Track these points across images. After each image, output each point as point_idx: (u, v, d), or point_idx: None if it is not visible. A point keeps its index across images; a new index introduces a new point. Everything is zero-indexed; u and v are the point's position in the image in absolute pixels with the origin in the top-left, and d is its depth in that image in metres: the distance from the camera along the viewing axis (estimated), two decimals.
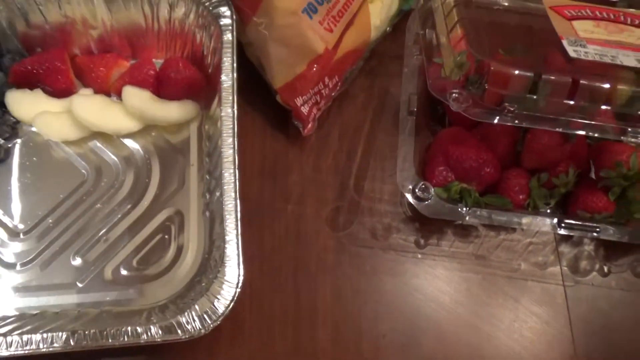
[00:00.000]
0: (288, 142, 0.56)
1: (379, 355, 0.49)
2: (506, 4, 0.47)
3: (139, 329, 0.41)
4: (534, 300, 0.52)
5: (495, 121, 0.41)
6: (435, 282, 0.52)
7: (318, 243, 0.52)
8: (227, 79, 0.50)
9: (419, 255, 0.53)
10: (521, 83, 0.40)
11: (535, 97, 0.40)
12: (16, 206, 0.51)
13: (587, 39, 0.44)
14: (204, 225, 0.51)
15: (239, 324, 0.48)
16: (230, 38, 0.51)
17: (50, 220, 0.51)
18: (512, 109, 0.40)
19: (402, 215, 0.54)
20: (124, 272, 0.50)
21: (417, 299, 0.51)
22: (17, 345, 0.40)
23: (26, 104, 0.52)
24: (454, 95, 0.41)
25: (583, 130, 0.43)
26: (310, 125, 0.54)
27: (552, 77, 0.39)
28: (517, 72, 0.39)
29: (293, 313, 0.50)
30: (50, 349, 0.40)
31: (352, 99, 0.58)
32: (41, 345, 0.40)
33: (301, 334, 0.49)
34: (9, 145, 0.53)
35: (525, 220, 0.48)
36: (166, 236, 0.51)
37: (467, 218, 0.47)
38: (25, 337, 0.41)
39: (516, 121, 0.41)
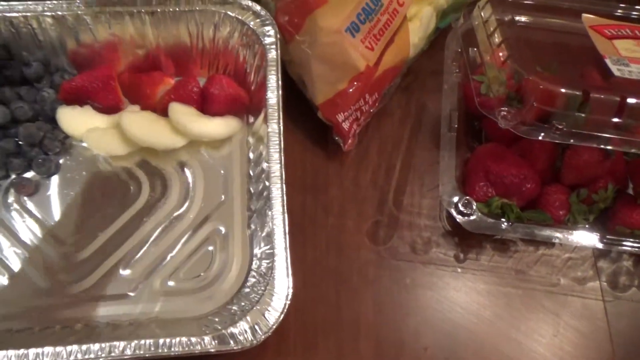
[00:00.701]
0: (328, 157, 0.57)
1: None
2: (547, 22, 0.48)
3: (193, 339, 0.42)
4: (574, 315, 0.52)
5: (541, 137, 0.42)
6: (475, 296, 0.52)
7: (359, 256, 0.53)
8: (273, 95, 0.51)
9: (459, 270, 0.53)
10: (568, 101, 0.40)
11: (583, 115, 0.41)
12: (66, 219, 0.52)
13: (630, 57, 0.45)
14: (248, 239, 0.52)
15: (283, 336, 0.49)
16: (275, 56, 0.53)
17: (99, 233, 0.52)
18: (560, 127, 0.41)
19: (441, 230, 0.55)
20: (171, 283, 0.51)
21: (457, 313, 0.52)
22: (77, 354, 0.42)
23: (76, 120, 0.54)
24: (502, 113, 0.42)
25: (626, 147, 0.43)
26: (350, 141, 0.55)
27: (600, 96, 0.40)
28: (564, 90, 0.40)
29: (335, 325, 0.50)
30: (109, 358, 0.42)
31: (389, 115, 0.59)
32: (100, 354, 0.42)
33: (344, 346, 0.50)
34: (60, 160, 0.55)
35: (566, 235, 0.49)
36: (211, 248, 0.52)
37: (509, 233, 0.48)
38: (84, 347, 0.42)
39: (563, 138, 0.42)
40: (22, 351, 0.42)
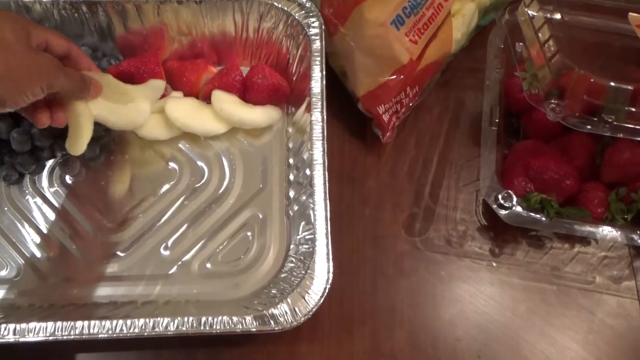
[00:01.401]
0: (366, 149, 0.58)
1: (455, 359, 0.50)
2: (592, 21, 0.48)
3: (235, 319, 0.43)
4: (609, 313, 0.52)
5: (589, 130, 0.42)
6: (509, 291, 0.53)
7: (395, 247, 0.54)
8: (317, 85, 0.52)
9: (494, 264, 0.54)
10: (617, 95, 0.41)
11: (633, 109, 0.41)
12: (110, 201, 0.54)
13: None
14: (285, 225, 0.53)
15: (319, 322, 0.50)
16: (319, 47, 0.54)
17: (140, 215, 0.53)
18: (609, 120, 0.41)
19: (476, 224, 0.55)
20: (209, 265, 0.52)
21: (491, 307, 0.52)
22: (122, 327, 0.43)
23: None
24: (551, 105, 0.42)
25: None
26: (389, 133, 0.56)
27: None
28: (613, 84, 0.41)
29: (371, 314, 0.51)
30: (152, 334, 0.43)
31: (428, 109, 0.60)
32: (144, 329, 0.43)
33: (379, 334, 0.50)
34: (103, 143, 0.56)
35: (605, 232, 0.49)
36: (249, 234, 0.53)
37: (548, 228, 0.48)
38: (129, 321, 0.43)
39: (611, 131, 0.43)
40: (69, 323, 0.43)
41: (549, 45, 0.43)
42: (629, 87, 0.41)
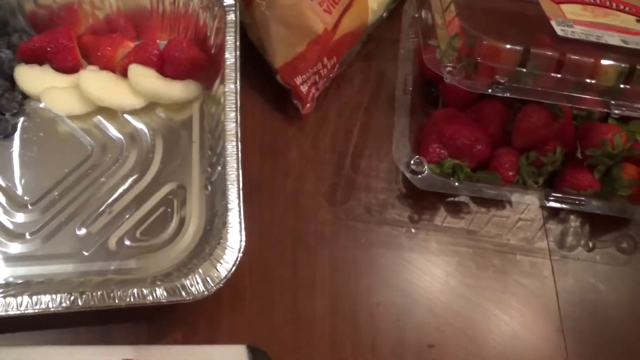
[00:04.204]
0: (287, 121, 0.58)
1: (374, 323, 0.51)
2: None
3: (145, 291, 0.43)
4: (522, 273, 0.54)
5: (484, 91, 0.44)
6: (428, 256, 0.54)
7: (316, 217, 0.54)
8: (231, 56, 0.52)
9: (413, 230, 0.55)
10: (511, 57, 0.42)
11: (524, 70, 0.42)
12: (23, 179, 0.52)
13: (574, 20, 0.47)
14: (205, 199, 0.53)
15: (239, 292, 0.50)
16: (234, 18, 0.53)
17: (56, 193, 0.52)
18: (502, 81, 0.42)
19: (396, 192, 0.56)
20: (127, 242, 0.51)
21: (410, 271, 0.53)
22: (27, 305, 0.42)
23: (35, 79, 0.54)
24: (448, 68, 0.43)
25: (569, 103, 0.45)
26: (308, 105, 0.56)
27: (541, 52, 0.42)
28: (507, 46, 0.42)
29: (292, 283, 0.51)
30: (59, 309, 0.42)
31: (349, 81, 0.60)
32: (50, 305, 0.42)
33: (300, 302, 0.51)
34: (17, 121, 0.54)
35: (515, 194, 0.51)
36: (169, 209, 0.53)
37: (459, 191, 0.49)
38: (34, 298, 0.42)
39: (507, 93, 0.44)
40: None
41: (448, 9, 0.44)
42: (519, 48, 0.42)
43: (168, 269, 0.50)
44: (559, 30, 0.45)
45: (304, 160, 0.57)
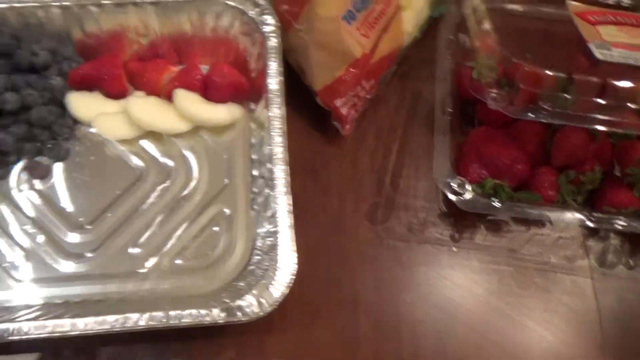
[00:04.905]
0: (326, 141, 0.59)
1: (416, 341, 0.52)
2: (535, 11, 0.50)
3: (202, 311, 0.45)
4: (564, 291, 0.54)
5: (529, 118, 0.45)
6: (469, 274, 0.55)
7: (357, 236, 0.55)
8: (274, 81, 0.53)
9: (454, 249, 0.56)
10: (553, 82, 0.43)
11: (568, 96, 0.43)
12: (77, 201, 0.54)
13: (612, 42, 0.47)
14: (251, 220, 0.54)
15: (286, 311, 0.51)
16: (275, 43, 0.55)
17: (108, 214, 0.54)
18: (546, 107, 0.43)
19: (437, 211, 0.57)
20: (178, 261, 0.53)
21: (452, 289, 0.54)
22: (93, 325, 0.44)
23: (85, 105, 0.56)
24: (492, 94, 0.44)
25: (610, 126, 0.46)
26: (348, 126, 0.57)
27: (583, 78, 0.43)
28: (549, 72, 0.43)
29: (335, 301, 0.53)
30: (123, 329, 0.44)
31: (385, 101, 0.62)
32: (115, 325, 0.44)
33: (344, 320, 0.52)
34: (69, 145, 0.56)
35: (556, 214, 0.51)
36: (216, 229, 0.54)
37: (501, 212, 0.50)
38: (100, 318, 0.44)
39: (549, 118, 0.45)
40: (39, 322, 0.44)
41: (491, 36, 0.45)
42: (562, 75, 0.43)
43: (217, 289, 0.51)
44: (598, 53, 0.46)
45: (344, 180, 0.58)
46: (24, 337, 0.44)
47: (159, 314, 0.45)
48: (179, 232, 0.54)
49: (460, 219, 0.56)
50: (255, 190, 0.54)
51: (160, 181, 0.56)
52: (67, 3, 0.55)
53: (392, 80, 0.62)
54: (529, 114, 0.45)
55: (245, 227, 0.54)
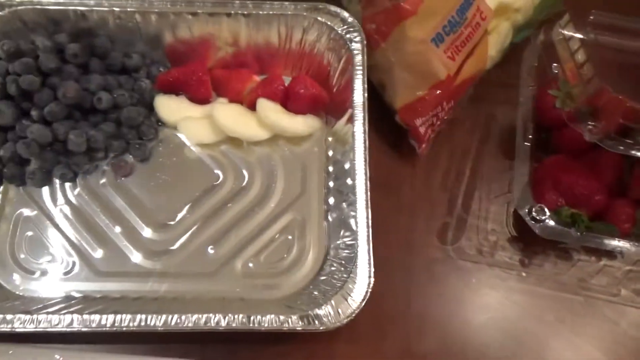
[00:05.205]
0: (401, 159, 0.60)
1: None
2: (627, 44, 0.50)
3: (282, 317, 0.46)
4: (633, 324, 0.54)
5: (621, 151, 0.45)
6: (537, 300, 0.55)
7: (428, 254, 0.56)
8: (359, 97, 0.55)
9: (523, 274, 0.56)
10: None
11: None
12: (158, 201, 0.56)
13: None
14: (325, 230, 0.55)
15: (355, 323, 0.52)
16: (361, 61, 0.56)
17: (188, 215, 0.56)
18: None
19: (507, 235, 0.57)
20: (251, 265, 0.54)
21: (520, 315, 0.54)
22: (176, 321, 0.45)
23: (172, 108, 0.58)
24: (589, 127, 0.45)
25: None
26: (425, 145, 0.58)
27: None
28: None
29: (403, 318, 0.53)
30: (204, 329, 0.45)
31: (460, 123, 0.62)
32: (198, 323, 0.45)
33: (411, 338, 0.53)
34: (152, 146, 0.59)
35: (632, 247, 0.51)
36: (290, 237, 0.56)
37: (579, 241, 0.50)
38: (183, 317, 0.46)
39: None
40: (129, 316, 0.46)
41: (584, 66, 0.46)
42: None
43: (288, 295, 0.53)
44: None
45: (416, 198, 0.59)
46: (103, 329, 0.46)
47: (239, 316, 0.46)
48: (253, 237, 0.55)
49: (530, 245, 0.57)
50: (330, 202, 0.56)
51: (238, 186, 0.58)
52: (165, 10, 0.57)
53: (467, 102, 0.63)
54: (621, 147, 0.45)
55: (317, 237, 0.55)
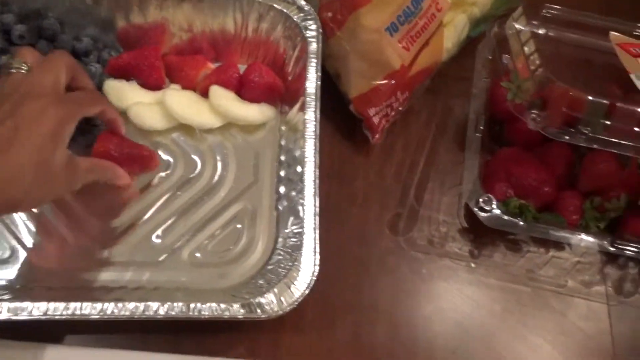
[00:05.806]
0: (355, 149, 0.60)
1: (431, 354, 0.52)
2: (576, 38, 0.51)
3: (222, 305, 0.45)
4: (580, 316, 0.55)
5: (566, 140, 0.45)
6: (486, 291, 0.55)
7: (379, 245, 0.56)
8: (312, 85, 0.54)
9: (473, 265, 0.56)
10: (594, 109, 0.44)
11: (607, 122, 0.44)
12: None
13: None
14: (274, 219, 0.55)
15: (302, 313, 0.52)
16: (316, 49, 0.56)
17: (133, 204, 0.55)
18: (585, 132, 0.44)
19: (458, 226, 0.58)
20: (198, 255, 0.53)
21: (469, 305, 0.54)
22: (113, 310, 0.44)
23: (123, 94, 0.57)
24: (532, 115, 0.45)
25: None
26: (378, 135, 0.58)
27: (624, 106, 0.43)
28: (591, 98, 0.44)
29: (353, 308, 0.53)
30: (143, 317, 0.44)
31: (416, 114, 0.62)
32: (135, 312, 0.44)
33: (360, 327, 0.52)
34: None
35: (578, 238, 0.52)
36: (239, 226, 0.55)
37: (525, 231, 0.50)
38: (120, 304, 0.44)
39: (587, 142, 0.45)
40: (62, 304, 0.44)
41: (533, 59, 0.46)
42: (605, 102, 0.44)
43: (236, 284, 0.52)
44: (639, 85, 0.47)
45: (369, 188, 0.58)
46: (42, 317, 0.44)
47: (179, 304, 0.45)
48: (201, 226, 0.54)
49: (480, 236, 0.57)
50: (281, 191, 0.55)
51: (188, 174, 0.57)
52: None
53: (423, 94, 0.63)
54: (566, 137, 0.45)
55: (267, 226, 0.55)
